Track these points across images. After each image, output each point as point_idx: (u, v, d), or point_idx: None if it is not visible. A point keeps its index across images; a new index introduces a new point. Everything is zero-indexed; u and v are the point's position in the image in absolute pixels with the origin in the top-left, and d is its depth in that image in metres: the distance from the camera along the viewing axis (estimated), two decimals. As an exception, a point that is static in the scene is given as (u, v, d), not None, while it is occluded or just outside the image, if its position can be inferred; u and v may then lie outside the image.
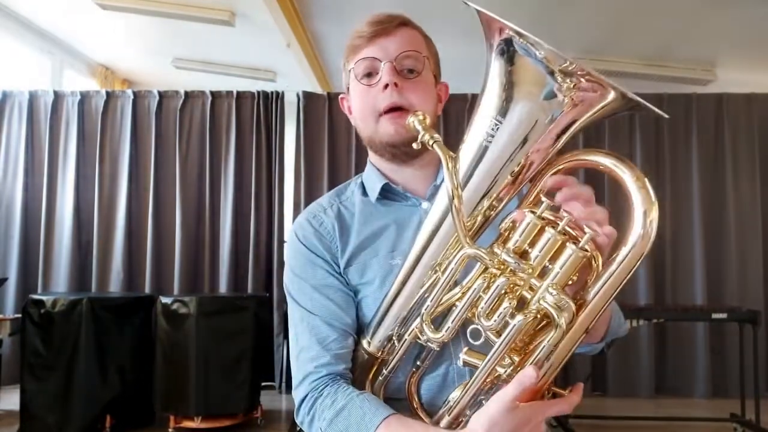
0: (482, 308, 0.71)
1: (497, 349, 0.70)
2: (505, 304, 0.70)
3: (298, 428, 0.91)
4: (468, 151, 0.75)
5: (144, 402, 3.58)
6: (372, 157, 1.03)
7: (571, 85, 0.65)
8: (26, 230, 4.75)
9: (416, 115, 0.81)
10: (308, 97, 4.81)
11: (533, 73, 0.68)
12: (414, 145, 0.79)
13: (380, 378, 0.89)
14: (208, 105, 4.82)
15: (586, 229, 0.68)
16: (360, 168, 1.06)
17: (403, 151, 0.94)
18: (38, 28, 5.17)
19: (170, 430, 3.46)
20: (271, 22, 4.61)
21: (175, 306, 3.52)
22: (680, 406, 4.28)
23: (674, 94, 4.80)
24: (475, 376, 0.73)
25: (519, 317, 0.68)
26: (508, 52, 0.69)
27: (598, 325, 0.79)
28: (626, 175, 0.66)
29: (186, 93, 4.85)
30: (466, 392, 0.75)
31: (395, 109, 0.91)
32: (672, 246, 4.63)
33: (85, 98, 4.85)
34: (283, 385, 4.61)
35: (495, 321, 0.70)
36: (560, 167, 0.73)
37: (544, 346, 0.68)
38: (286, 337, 4.45)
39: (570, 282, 0.69)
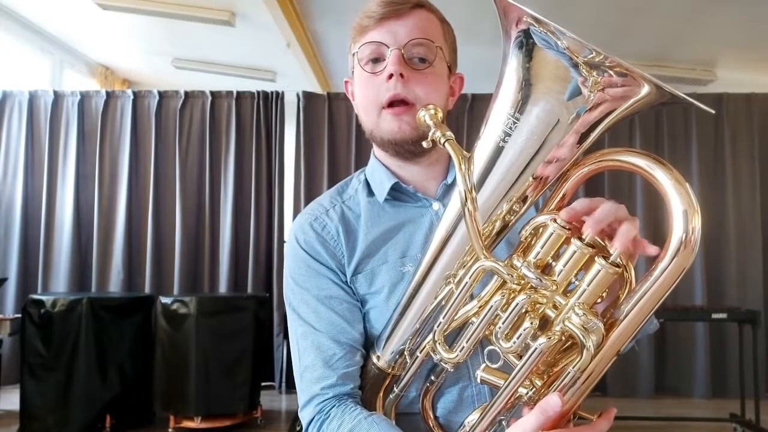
0: (500, 328, 0.64)
1: (517, 374, 0.64)
2: (526, 324, 0.63)
3: (298, 428, 0.90)
4: (483, 150, 0.67)
5: (144, 402, 3.58)
6: (377, 150, 0.94)
7: (598, 79, 0.58)
8: (26, 230, 4.74)
9: (427, 110, 0.72)
10: (308, 97, 4.81)
11: (554, 65, 0.60)
12: (424, 144, 0.71)
13: (391, 396, 0.83)
14: (208, 105, 4.82)
15: (616, 241, 0.61)
16: (360, 168, 1.00)
17: (407, 149, 0.86)
18: (38, 28, 5.17)
19: (170, 430, 3.46)
20: (271, 22, 4.61)
21: (175, 306, 3.52)
22: (680, 406, 4.28)
23: (674, 94, 4.81)
24: (493, 400, 0.68)
25: (541, 339, 0.61)
26: (526, 43, 0.61)
27: None
28: (664, 179, 0.58)
29: (186, 93, 4.85)
30: (484, 417, 0.70)
31: (399, 103, 0.82)
32: (672, 246, 4.63)
33: (85, 98, 4.85)
34: (283, 385, 4.61)
35: (515, 343, 0.63)
36: (587, 168, 0.65)
37: (569, 372, 0.61)
38: (286, 337, 4.45)
39: (599, 300, 0.62)
